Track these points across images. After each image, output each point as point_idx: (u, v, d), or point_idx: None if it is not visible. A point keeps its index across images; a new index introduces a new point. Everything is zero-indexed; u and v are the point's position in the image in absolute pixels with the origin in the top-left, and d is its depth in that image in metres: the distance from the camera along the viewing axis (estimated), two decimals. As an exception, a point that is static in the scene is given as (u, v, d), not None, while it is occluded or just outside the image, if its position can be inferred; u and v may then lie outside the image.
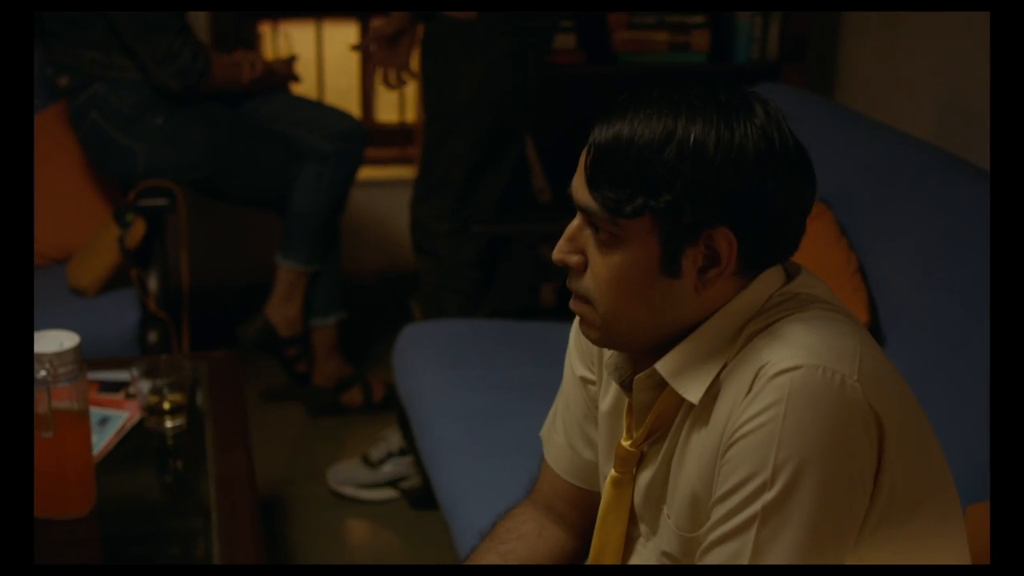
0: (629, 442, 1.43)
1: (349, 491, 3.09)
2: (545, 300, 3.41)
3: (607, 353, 1.47)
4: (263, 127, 3.28)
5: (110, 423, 2.24)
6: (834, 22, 3.66)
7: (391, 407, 3.27)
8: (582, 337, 1.43)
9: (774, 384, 1.25)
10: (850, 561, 1.29)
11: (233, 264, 3.98)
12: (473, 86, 2.98)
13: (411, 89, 4.39)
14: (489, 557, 1.62)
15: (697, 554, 1.33)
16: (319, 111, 3.40)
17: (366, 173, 3.66)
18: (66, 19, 3.06)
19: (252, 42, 4.24)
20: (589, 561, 1.54)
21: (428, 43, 3.09)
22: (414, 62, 3.09)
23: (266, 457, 2.98)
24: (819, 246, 2.31)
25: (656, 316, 1.34)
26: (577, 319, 1.41)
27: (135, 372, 2.24)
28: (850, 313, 1.38)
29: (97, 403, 2.26)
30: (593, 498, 1.54)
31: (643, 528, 1.48)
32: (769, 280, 1.35)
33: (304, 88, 3.72)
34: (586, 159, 1.33)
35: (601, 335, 1.38)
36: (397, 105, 4.42)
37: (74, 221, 3.14)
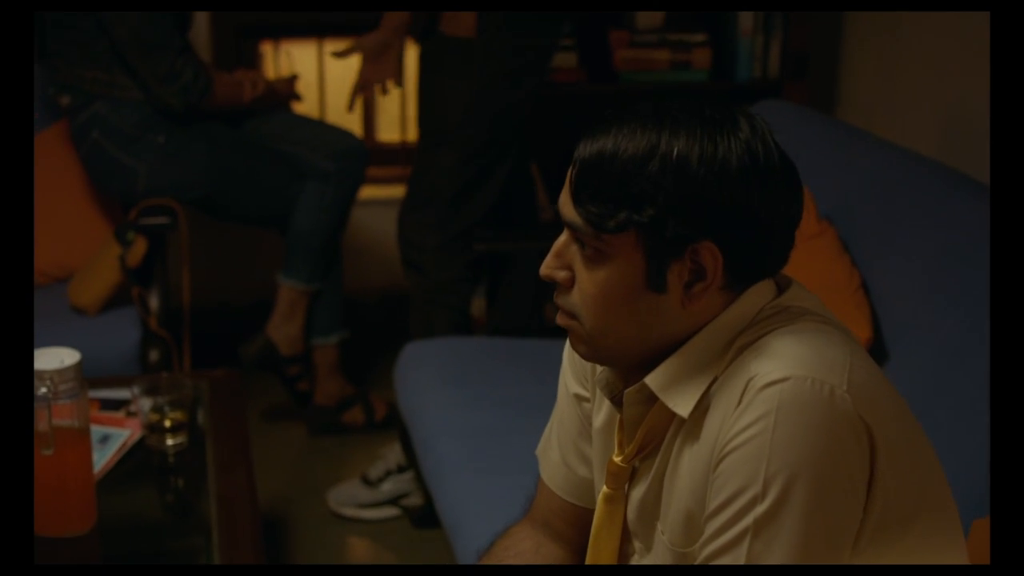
0: (620, 457, 1.43)
1: (350, 512, 3.08)
2: (548, 318, 3.41)
3: (598, 369, 1.47)
4: (265, 146, 3.28)
5: (111, 441, 2.23)
6: (835, 40, 3.67)
7: (393, 426, 3.26)
8: (576, 354, 1.42)
9: (763, 396, 1.24)
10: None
11: (234, 283, 3.98)
12: (467, 101, 2.98)
13: (412, 108, 4.40)
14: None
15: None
16: (321, 130, 3.41)
17: (367, 192, 3.66)
18: (68, 38, 3.07)
19: (253, 61, 4.25)
20: (582, 577, 1.54)
21: (426, 60, 3.10)
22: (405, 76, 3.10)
23: (267, 476, 2.96)
24: (821, 262, 2.30)
25: (643, 331, 1.33)
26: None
27: (136, 390, 2.24)
28: (841, 326, 1.37)
29: (98, 421, 2.26)
30: (589, 515, 1.53)
31: (637, 545, 1.47)
32: (759, 293, 1.34)
33: (305, 107, 3.72)
34: (571, 174, 1.33)
35: (589, 349, 1.38)
36: (398, 124, 4.42)
37: (75, 240, 3.14)
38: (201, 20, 3.71)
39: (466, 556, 2.09)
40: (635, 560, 1.48)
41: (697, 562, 1.30)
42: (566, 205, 1.33)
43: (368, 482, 3.09)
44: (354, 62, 3.16)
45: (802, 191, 1.34)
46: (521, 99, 3.05)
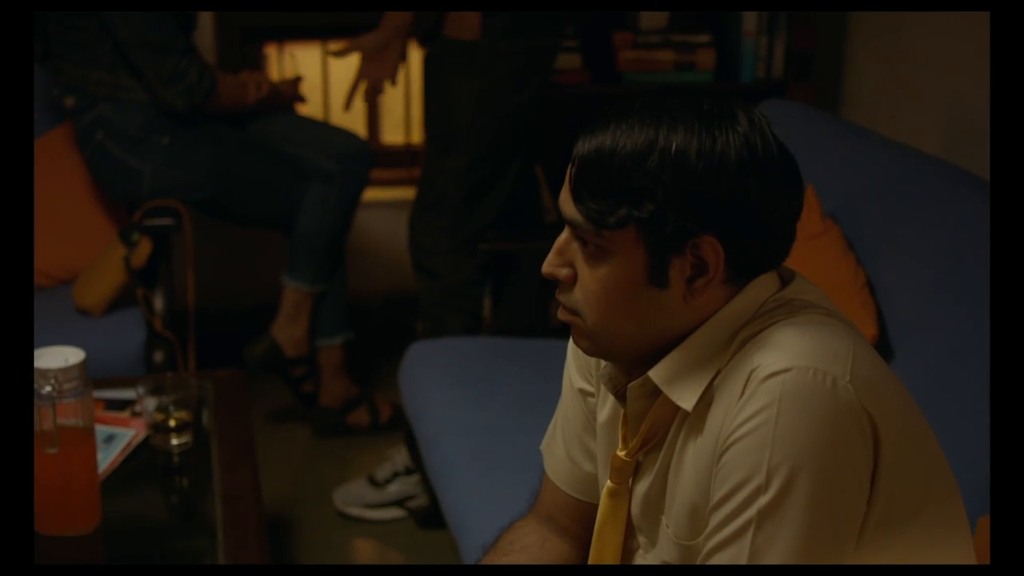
0: (624, 452, 1.43)
1: (355, 511, 3.08)
2: (553, 319, 3.40)
3: (602, 363, 1.47)
4: (269, 147, 3.28)
5: (116, 440, 2.23)
6: (839, 40, 3.66)
7: (397, 427, 3.26)
8: (580, 349, 1.42)
9: (765, 387, 1.24)
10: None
11: (239, 284, 3.98)
12: (474, 104, 2.98)
13: (416, 111, 4.41)
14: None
15: (696, 563, 1.32)
16: (325, 131, 3.41)
17: (372, 194, 3.66)
18: (72, 40, 3.07)
19: (258, 63, 4.26)
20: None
21: (430, 63, 3.10)
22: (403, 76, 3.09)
23: (272, 477, 2.96)
24: (826, 261, 2.30)
25: (646, 327, 1.33)
26: None
27: (141, 390, 2.24)
28: (845, 318, 1.37)
29: (103, 421, 2.25)
30: (594, 510, 1.53)
31: (642, 540, 1.47)
32: (762, 287, 1.34)
33: (310, 109, 3.73)
34: (570, 172, 1.33)
35: (591, 344, 1.38)
36: (403, 126, 4.43)
37: (80, 242, 3.14)
38: (206, 23, 3.71)
39: (471, 555, 2.09)
40: (639, 555, 1.48)
41: (701, 554, 1.30)
42: (566, 203, 1.33)
43: (375, 483, 3.09)
44: (357, 63, 3.16)
45: (802, 183, 1.34)
46: (528, 100, 3.05)
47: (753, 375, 1.26)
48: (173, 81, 3.05)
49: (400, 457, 3.09)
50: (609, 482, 1.46)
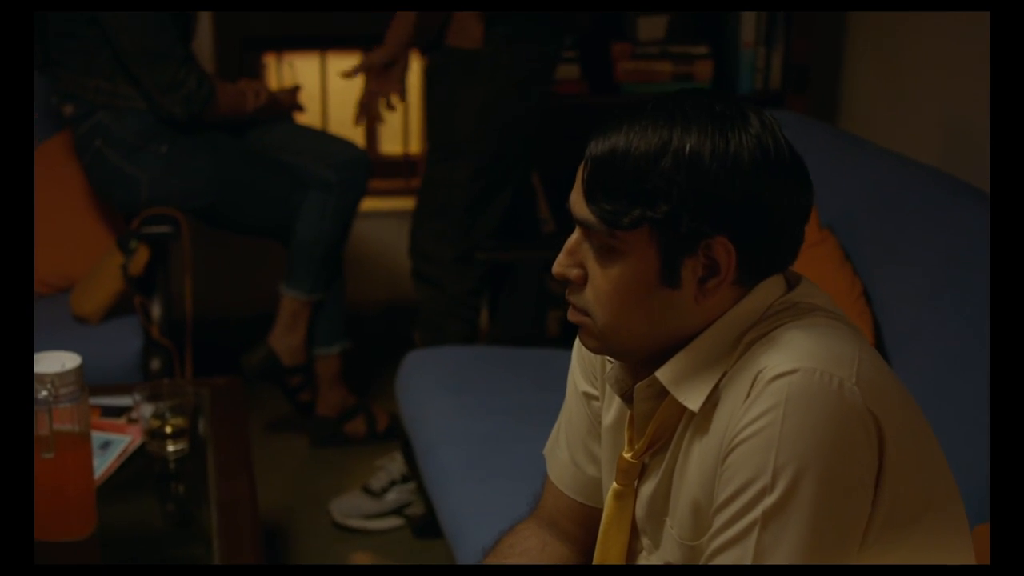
0: (631, 454, 1.43)
1: (355, 523, 3.07)
2: (551, 329, 3.40)
3: (608, 366, 1.47)
4: (267, 156, 3.29)
5: (112, 447, 2.23)
6: (837, 51, 3.67)
7: (394, 437, 3.26)
8: (585, 353, 1.43)
9: (771, 388, 1.25)
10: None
11: (237, 293, 3.98)
12: (477, 114, 2.99)
13: (415, 121, 4.41)
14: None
15: (700, 563, 1.32)
16: (323, 140, 3.41)
17: (370, 204, 3.66)
18: (71, 48, 3.08)
19: (257, 73, 4.26)
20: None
21: (432, 72, 3.10)
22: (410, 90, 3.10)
23: (269, 486, 2.96)
24: (823, 271, 2.30)
25: (656, 327, 1.34)
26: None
27: (137, 396, 2.24)
28: (850, 322, 1.38)
29: (99, 427, 2.26)
30: (597, 514, 1.53)
31: (645, 542, 1.47)
32: (769, 289, 1.35)
33: (308, 118, 3.73)
34: (583, 172, 1.33)
35: (600, 344, 1.38)
36: (401, 137, 4.43)
37: (77, 249, 3.14)
38: (205, 32, 3.72)
39: (468, 563, 2.08)
40: (643, 557, 1.48)
41: (705, 555, 1.30)
42: (578, 203, 1.34)
43: (371, 492, 3.08)
44: (359, 76, 3.17)
45: (811, 185, 1.35)
46: (530, 109, 3.06)
47: (759, 376, 1.26)
48: (172, 89, 3.06)
49: (395, 465, 3.09)
50: (615, 484, 1.46)
